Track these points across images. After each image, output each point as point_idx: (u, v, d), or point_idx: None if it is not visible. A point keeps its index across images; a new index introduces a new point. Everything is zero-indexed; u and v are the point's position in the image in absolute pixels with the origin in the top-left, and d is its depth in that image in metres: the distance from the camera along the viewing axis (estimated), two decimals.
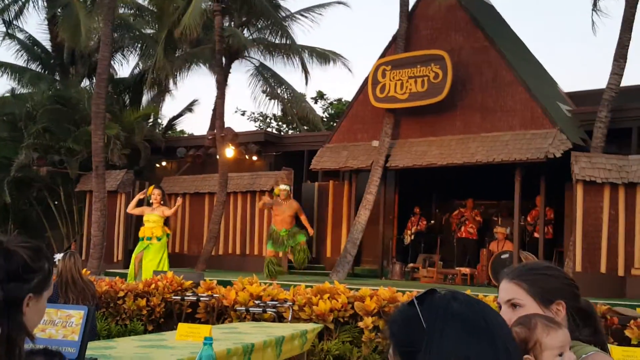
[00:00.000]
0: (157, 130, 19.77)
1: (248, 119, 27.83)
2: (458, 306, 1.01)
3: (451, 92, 12.46)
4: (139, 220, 16.52)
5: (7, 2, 19.08)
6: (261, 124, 27.13)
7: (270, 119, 26.67)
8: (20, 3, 19.39)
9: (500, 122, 12.36)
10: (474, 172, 12.97)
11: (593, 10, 12.60)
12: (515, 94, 12.29)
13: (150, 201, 10.61)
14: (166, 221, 10.53)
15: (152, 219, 10.35)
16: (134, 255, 10.46)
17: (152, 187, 10.68)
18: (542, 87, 13.19)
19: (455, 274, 12.52)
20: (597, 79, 53.28)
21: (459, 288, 10.26)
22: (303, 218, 10.75)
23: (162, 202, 10.57)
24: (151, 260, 10.15)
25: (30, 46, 19.94)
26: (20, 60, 19.75)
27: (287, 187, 10.93)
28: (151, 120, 19.80)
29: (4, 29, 19.60)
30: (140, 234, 10.49)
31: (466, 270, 12.42)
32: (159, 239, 10.34)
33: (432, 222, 14.73)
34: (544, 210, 12.22)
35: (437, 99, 12.51)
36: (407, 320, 1.02)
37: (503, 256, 11.88)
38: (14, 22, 19.36)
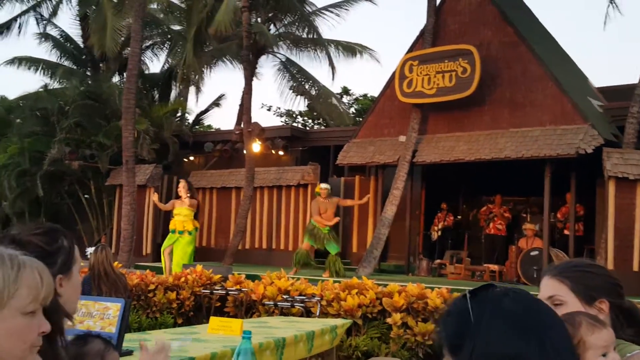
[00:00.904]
0: (185, 125, 19.96)
1: (274, 114, 27.93)
2: (509, 302, 0.98)
3: (479, 87, 12.36)
4: (167, 214, 16.77)
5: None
6: (287, 119, 27.19)
7: (297, 115, 26.71)
8: (54, 1, 19.72)
9: (529, 117, 12.22)
10: (502, 167, 12.86)
11: (610, 3, 12.41)
12: (545, 89, 12.14)
13: (179, 194, 10.76)
14: (195, 215, 10.66)
15: (184, 212, 10.49)
16: (163, 248, 10.59)
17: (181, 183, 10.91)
18: (573, 82, 13.01)
19: (484, 270, 12.43)
20: (629, 73, 52.29)
21: None
22: (348, 203, 12.01)
23: (189, 195, 10.70)
24: (181, 253, 10.29)
25: (62, 42, 20.27)
26: (53, 56, 20.11)
27: (327, 186, 11.47)
28: (179, 115, 19.99)
29: (38, 26, 19.99)
30: (171, 226, 10.62)
31: (494, 267, 12.33)
32: (190, 233, 10.46)
33: (459, 217, 14.63)
34: (574, 207, 12.07)
35: (465, 94, 12.42)
36: (458, 313, 1.00)
37: (532, 253, 11.76)
38: (50, 19, 19.72)
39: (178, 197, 10.97)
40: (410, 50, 13.64)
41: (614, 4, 12.36)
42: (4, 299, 1.13)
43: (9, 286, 1.14)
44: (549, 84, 12.10)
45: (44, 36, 19.79)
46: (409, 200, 13.69)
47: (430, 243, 14.28)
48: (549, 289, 1.71)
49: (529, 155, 11.68)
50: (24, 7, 19.35)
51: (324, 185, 11.44)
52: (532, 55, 12.35)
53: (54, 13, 19.66)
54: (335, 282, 7.69)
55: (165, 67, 20.45)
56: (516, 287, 1.04)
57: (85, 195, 17.49)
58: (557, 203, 12.59)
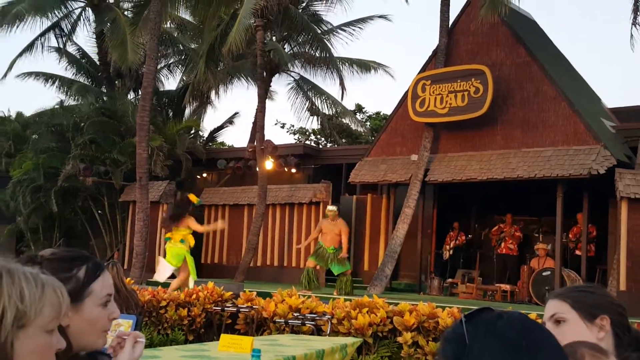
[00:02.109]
0: (198, 142, 20.11)
1: (287, 131, 28.06)
2: (501, 325, 0.99)
3: (492, 107, 12.39)
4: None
5: (58, 16, 19.75)
6: (300, 137, 27.32)
7: (310, 133, 26.85)
8: (72, 18, 20.06)
9: (542, 137, 12.23)
10: (514, 187, 12.84)
11: (633, 25, 12.42)
12: (557, 110, 12.15)
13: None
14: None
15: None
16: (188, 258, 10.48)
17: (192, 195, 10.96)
18: (586, 102, 13.01)
19: (495, 290, 12.37)
20: None
21: (499, 305, 10.10)
22: (344, 240, 11.52)
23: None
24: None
25: (79, 59, 20.58)
26: (69, 73, 20.41)
27: (335, 208, 11.78)
28: (193, 132, 20.16)
29: (56, 44, 20.33)
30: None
31: (506, 286, 12.27)
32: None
33: (470, 236, 14.60)
34: (586, 228, 12.01)
35: (477, 114, 12.46)
36: (454, 337, 1.01)
37: (544, 273, 11.70)
38: (69, 37, 20.05)
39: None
40: (423, 69, 13.72)
41: (636, 26, 12.37)
42: (31, 318, 1.15)
43: (35, 304, 1.16)
44: (562, 104, 12.11)
45: (61, 51, 20.11)
46: (421, 219, 13.69)
47: (441, 262, 14.24)
48: (551, 308, 1.76)
49: (541, 176, 11.67)
50: (45, 26, 19.71)
51: (330, 207, 11.86)
52: (544, 76, 12.38)
53: (73, 30, 19.99)
54: (346, 300, 7.69)
55: (181, 85, 20.68)
56: (512, 311, 1.06)
57: (99, 211, 17.63)
58: (568, 223, 12.54)
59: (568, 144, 11.87)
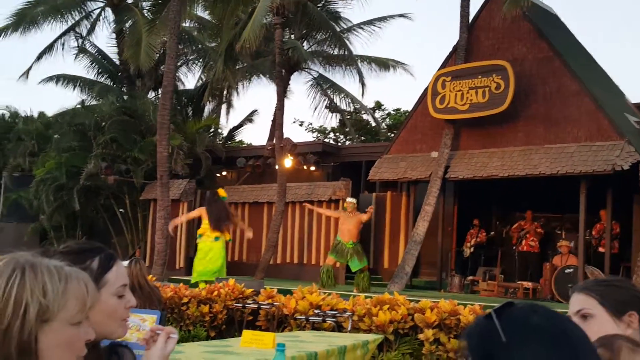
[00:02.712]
0: (217, 141, 20.19)
1: (306, 129, 28.08)
2: (538, 319, 0.98)
3: (513, 103, 12.27)
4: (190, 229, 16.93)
5: (77, 17, 19.95)
6: (319, 135, 27.32)
7: (329, 132, 26.85)
8: (92, 19, 20.25)
9: (564, 133, 12.08)
10: (536, 184, 12.71)
11: None
12: (580, 105, 12.00)
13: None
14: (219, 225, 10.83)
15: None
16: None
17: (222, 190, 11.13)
18: (609, 98, 12.83)
19: (517, 287, 12.26)
20: None
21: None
22: (365, 218, 11.72)
23: None
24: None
25: (99, 60, 20.76)
26: (90, 74, 20.60)
27: (354, 201, 11.90)
28: (212, 130, 20.24)
29: (76, 44, 20.54)
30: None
31: (528, 284, 12.15)
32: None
33: (492, 233, 14.49)
34: (610, 224, 11.85)
35: (498, 110, 12.35)
36: (486, 333, 0.99)
37: (567, 271, 11.57)
38: (88, 37, 20.26)
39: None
40: (443, 66, 13.63)
41: None
42: (55, 312, 1.15)
43: (58, 298, 1.16)
44: (585, 99, 11.96)
45: (82, 51, 20.31)
46: (441, 216, 13.61)
47: (462, 259, 14.15)
48: (577, 303, 1.71)
49: (564, 172, 11.54)
50: (64, 27, 19.91)
51: (350, 200, 12.04)
52: (567, 71, 12.23)
53: (92, 29, 20.17)
54: (366, 297, 7.68)
55: (199, 83, 20.78)
56: (535, 303, 1.04)
57: (120, 210, 17.78)
58: (591, 220, 12.39)
59: (591, 140, 11.72)
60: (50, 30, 20.84)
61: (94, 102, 19.49)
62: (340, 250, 11.36)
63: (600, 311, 1.68)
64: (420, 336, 6.75)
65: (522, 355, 0.94)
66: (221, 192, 11.05)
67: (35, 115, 21.82)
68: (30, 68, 20.09)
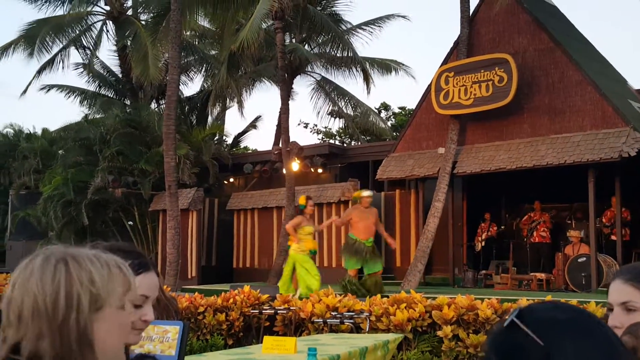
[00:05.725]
0: (223, 148, 20.23)
1: (311, 131, 28.12)
2: (562, 314, 0.95)
3: (517, 95, 12.27)
4: (210, 237, 16.95)
5: (78, 31, 20.00)
6: (324, 137, 27.34)
7: (335, 134, 26.86)
8: (93, 33, 20.31)
9: (569, 123, 12.08)
10: (544, 174, 12.70)
11: None
12: (584, 94, 11.99)
13: (304, 211, 10.17)
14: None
15: (309, 230, 10.09)
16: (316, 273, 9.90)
17: (304, 197, 10.27)
18: (612, 85, 12.82)
19: (531, 279, 12.25)
20: None
21: (535, 294, 9.93)
22: (382, 229, 10.36)
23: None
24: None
25: (102, 73, 20.82)
26: (92, 87, 20.67)
27: (370, 193, 10.48)
28: (217, 138, 20.28)
29: (78, 58, 20.63)
30: (308, 247, 10.06)
31: (541, 275, 12.13)
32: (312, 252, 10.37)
33: (503, 227, 14.47)
34: (620, 212, 11.83)
35: (502, 103, 12.35)
36: (517, 344, 0.93)
37: (580, 260, 11.55)
38: (90, 50, 20.31)
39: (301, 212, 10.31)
40: (445, 62, 13.63)
41: None
42: (105, 299, 1.15)
43: (105, 285, 1.16)
44: (588, 88, 11.95)
45: (85, 66, 20.37)
46: (451, 212, 13.60)
47: (474, 254, 14.14)
48: (624, 294, 1.65)
49: (571, 161, 11.53)
50: (65, 41, 19.95)
51: (366, 193, 10.32)
52: (569, 60, 12.23)
53: (96, 45, 20.21)
54: (383, 296, 7.68)
55: (201, 90, 20.82)
56: (541, 302, 1.02)
57: (129, 222, 17.84)
58: (601, 207, 12.36)
59: (597, 128, 11.71)
60: (54, 47, 20.93)
61: (97, 116, 19.55)
62: (359, 251, 9.92)
63: None
64: (439, 333, 6.76)
65: (564, 354, 0.91)
66: (301, 199, 10.23)
67: (39, 131, 21.92)
68: (30, 83, 20.17)
